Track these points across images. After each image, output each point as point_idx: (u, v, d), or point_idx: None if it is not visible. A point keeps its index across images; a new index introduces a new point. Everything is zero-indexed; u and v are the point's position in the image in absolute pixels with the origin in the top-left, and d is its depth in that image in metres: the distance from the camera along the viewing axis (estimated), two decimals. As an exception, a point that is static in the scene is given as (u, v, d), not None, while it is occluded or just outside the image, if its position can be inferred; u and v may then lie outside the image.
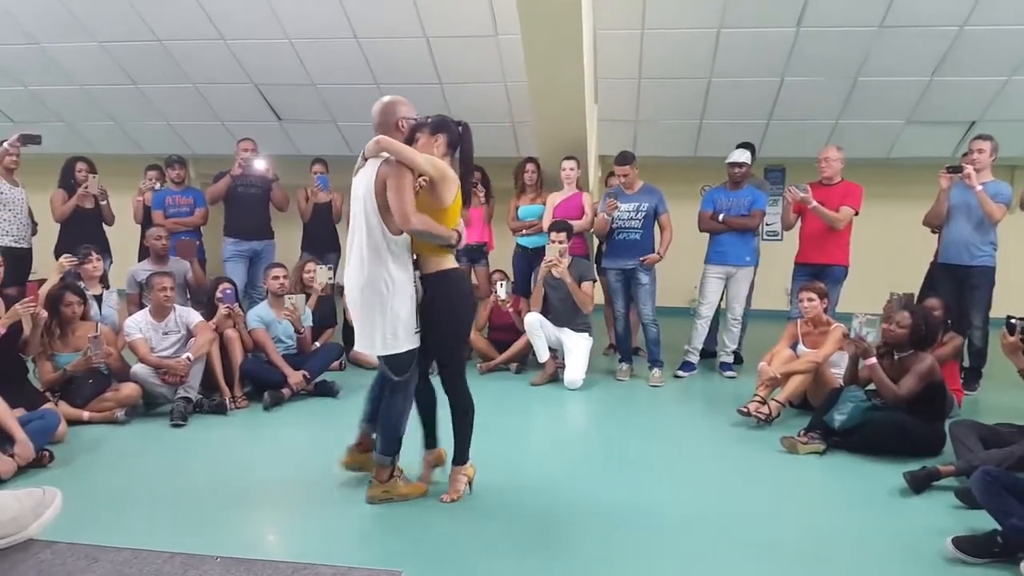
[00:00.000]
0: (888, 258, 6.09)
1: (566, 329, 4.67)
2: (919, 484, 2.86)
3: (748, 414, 3.71)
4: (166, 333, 3.98)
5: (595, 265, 5.16)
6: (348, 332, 5.12)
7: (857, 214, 4.58)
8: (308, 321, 4.55)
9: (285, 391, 4.10)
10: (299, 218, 5.74)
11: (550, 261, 4.51)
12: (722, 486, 3.00)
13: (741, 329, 4.99)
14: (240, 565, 2.17)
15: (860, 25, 5.18)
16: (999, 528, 2.30)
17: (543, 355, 4.65)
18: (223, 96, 6.57)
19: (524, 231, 5.23)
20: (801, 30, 5.26)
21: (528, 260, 5.17)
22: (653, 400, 4.42)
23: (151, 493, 2.82)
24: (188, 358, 3.84)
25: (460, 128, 2.69)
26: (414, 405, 2.77)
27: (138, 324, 3.95)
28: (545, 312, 4.71)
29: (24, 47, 6.12)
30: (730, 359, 4.97)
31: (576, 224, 4.84)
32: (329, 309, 5.02)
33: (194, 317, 4.06)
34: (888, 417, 3.29)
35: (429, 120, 2.68)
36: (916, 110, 5.97)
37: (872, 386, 3.47)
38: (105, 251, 4.81)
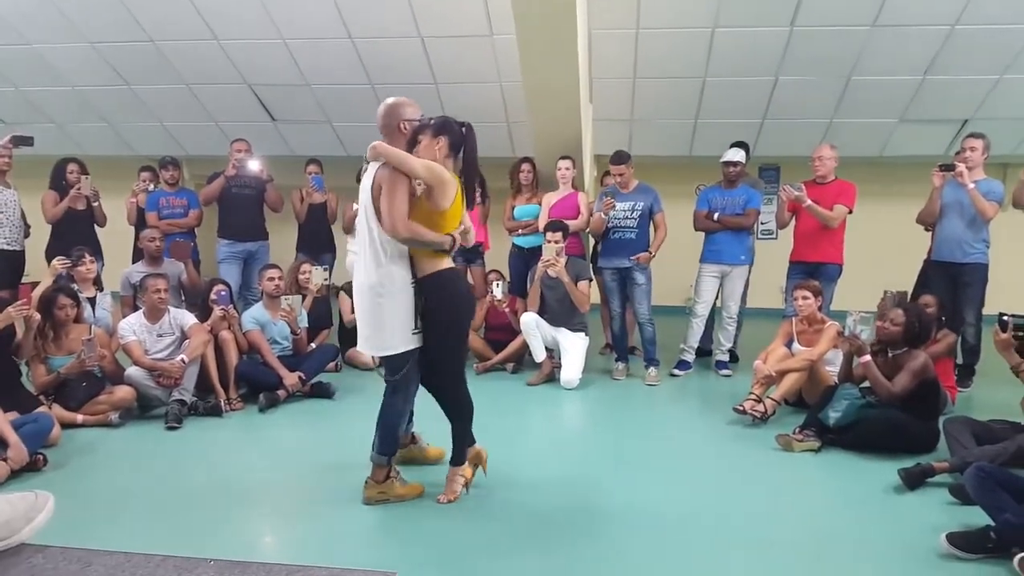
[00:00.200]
0: (882, 256, 6.11)
1: (562, 329, 4.68)
2: (913, 481, 2.88)
3: (744, 412, 3.73)
4: (160, 335, 3.97)
5: (591, 265, 5.17)
6: (344, 333, 5.12)
7: (851, 212, 4.59)
8: (304, 322, 4.54)
9: (281, 393, 4.09)
10: (294, 219, 5.73)
11: (547, 261, 4.51)
12: (718, 484, 3.01)
13: (736, 327, 5.00)
14: (234, 568, 2.17)
15: (853, 24, 5.20)
16: (992, 524, 2.31)
17: (539, 355, 4.65)
18: (217, 96, 6.55)
19: (520, 231, 5.23)
20: (795, 29, 5.28)
21: (524, 260, 5.17)
22: (649, 399, 4.43)
23: (145, 496, 2.80)
24: (183, 360, 3.82)
25: (463, 129, 2.66)
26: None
27: (132, 326, 3.93)
28: (541, 312, 4.71)
29: (15, 48, 6.08)
30: (726, 357, 4.98)
31: (572, 224, 4.84)
32: (325, 310, 5.01)
33: (188, 319, 4.05)
34: (882, 414, 3.30)
35: (431, 122, 2.65)
36: (909, 109, 6.00)
37: (867, 383, 3.48)
38: (97, 253, 4.79)
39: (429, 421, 2.96)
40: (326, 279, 4.91)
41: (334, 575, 2.15)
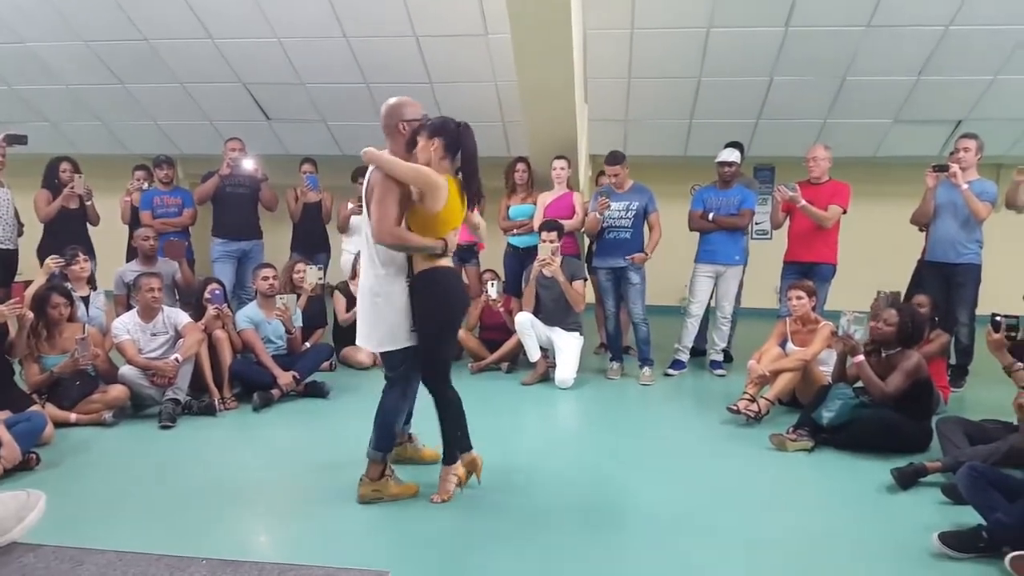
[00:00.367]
0: (875, 256, 6.13)
1: (557, 328, 4.68)
2: (906, 480, 2.89)
3: (737, 412, 3.73)
4: (154, 334, 3.95)
5: (585, 264, 5.18)
6: (338, 333, 5.11)
7: (845, 212, 4.61)
8: (298, 321, 4.53)
9: (275, 392, 4.08)
10: (288, 218, 5.72)
11: (543, 260, 4.51)
12: (712, 483, 3.01)
13: (731, 327, 5.01)
14: (227, 567, 2.16)
15: (848, 25, 5.22)
16: (984, 523, 2.33)
17: (534, 354, 4.65)
18: (211, 95, 6.53)
19: (515, 231, 5.23)
20: (789, 30, 5.29)
21: (519, 259, 5.17)
22: (643, 399, 4.43)
23: (139, 495, 2.80)
24: (176, 359, 3.82)
25: (460, 129, 2.63)
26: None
27: (126, 325, 3.92)
28: (536, 312, 4.71)
29: (9, 46, 6.06)
30: (720, 357, 4.99)
31: (567, 223, 4.84)
32: (319, 309, 5.00)
33: (182, 318, 4.04)
34: (876, 414, 3.31)
35: (428, 122, 2.64)
36: (903, 109, 6.02)
37: (860, 383, 3.49)
38: (89, 252, 4.76)
39: (429, 421, 2.96)
40: (320, 278, 4.90)
41: (327, 574, 2.15)
